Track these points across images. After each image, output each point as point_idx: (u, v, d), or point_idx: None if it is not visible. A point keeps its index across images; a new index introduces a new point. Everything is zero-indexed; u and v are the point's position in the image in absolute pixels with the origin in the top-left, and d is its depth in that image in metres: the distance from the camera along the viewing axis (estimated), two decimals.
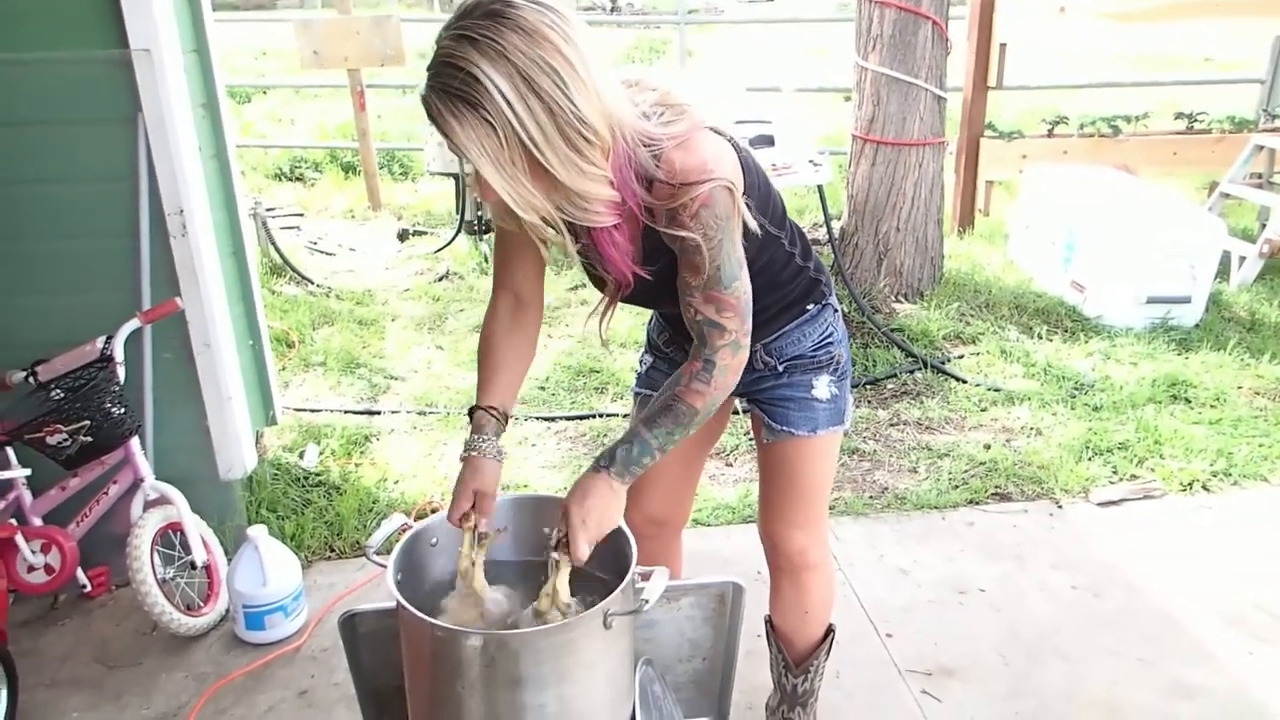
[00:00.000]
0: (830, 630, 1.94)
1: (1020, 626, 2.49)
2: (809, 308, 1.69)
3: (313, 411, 3.59)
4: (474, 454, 1.50)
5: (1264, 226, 4.81)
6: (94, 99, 2.44)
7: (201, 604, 2.47)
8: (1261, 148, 4.93)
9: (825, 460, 1.76)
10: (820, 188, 4.00)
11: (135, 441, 2.43)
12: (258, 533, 2.40)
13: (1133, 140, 5.20)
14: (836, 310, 1.74)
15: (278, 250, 4.97)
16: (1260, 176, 5.13)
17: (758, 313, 1.63)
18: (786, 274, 1.65)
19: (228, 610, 2.47)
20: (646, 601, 1.43)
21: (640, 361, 1.88)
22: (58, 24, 2.38)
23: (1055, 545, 2.83)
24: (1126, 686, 2.28)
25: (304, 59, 6.21)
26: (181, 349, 2.63)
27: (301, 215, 6.30)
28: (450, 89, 1.16)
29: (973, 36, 5.00)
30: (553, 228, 1.29)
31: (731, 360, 1.43)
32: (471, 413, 1.55)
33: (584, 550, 1.38)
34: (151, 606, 2.30)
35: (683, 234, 1.34)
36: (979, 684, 2.29)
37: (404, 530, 1.59)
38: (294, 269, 4.94)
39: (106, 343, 2.36)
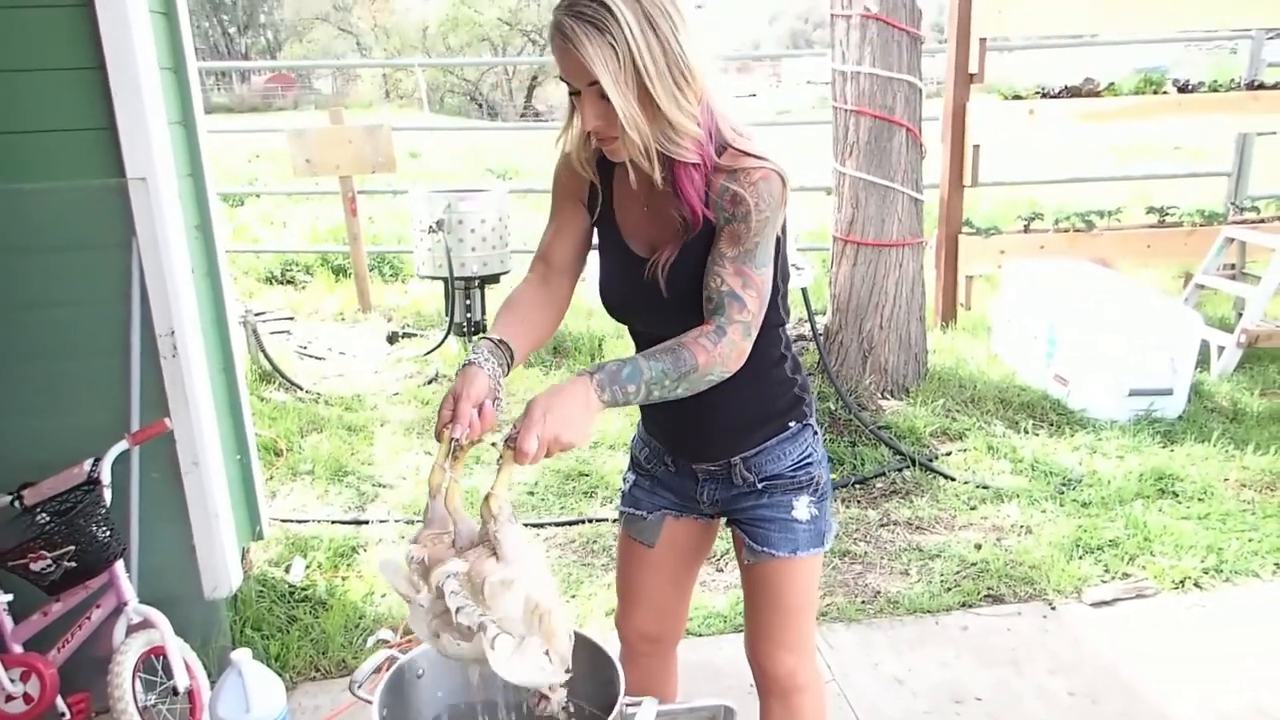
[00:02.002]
0: None
1: None
2: (790, 425, 1.71)
3: (300, 522, 3.57)
4: (466, 365, 1.44)
5: (1240, 316, 4.90)
6: (90, 225, 2.48)
7: None
8: (1232, 240, 5.06)
9: (807, 581, 1.75)
10: (804, 290, 4.07)
11: (120, 564, 2.40)
12: (241, 656, 2.32)
13: (1107, 234, 5.34)
14: (817, 433, 1.77)
15: (267, 357, 5.00)
16: (1233, 267, 5.25)
17: (739, 420, 1.66)
18: (776, 374, 1.68)
19: None
20: None
21: (624, 479, 1.90)
22: (58, 154, 2.44)
23: (1050, 649, 2.81)
24: None
25: (297, 167, 6.35)
26: (169, 468, 2.63)
27: (292, 319, 6.36)
28: (584, 15, 1.34)
29: (947, 138, 5.17)
30: (646, 155, 1.42)
31: (740, 342, 1.45)
32: None
33: (530, 443, 1.30)
34: None
35: (740, 190, 1.43)
36: None
37: (389, 664, 1.58)
38: (283, 375, 4.97)
39: (94, 465, 2.35)
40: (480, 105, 32.06)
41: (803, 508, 1.72)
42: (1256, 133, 5.80)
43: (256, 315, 5.42)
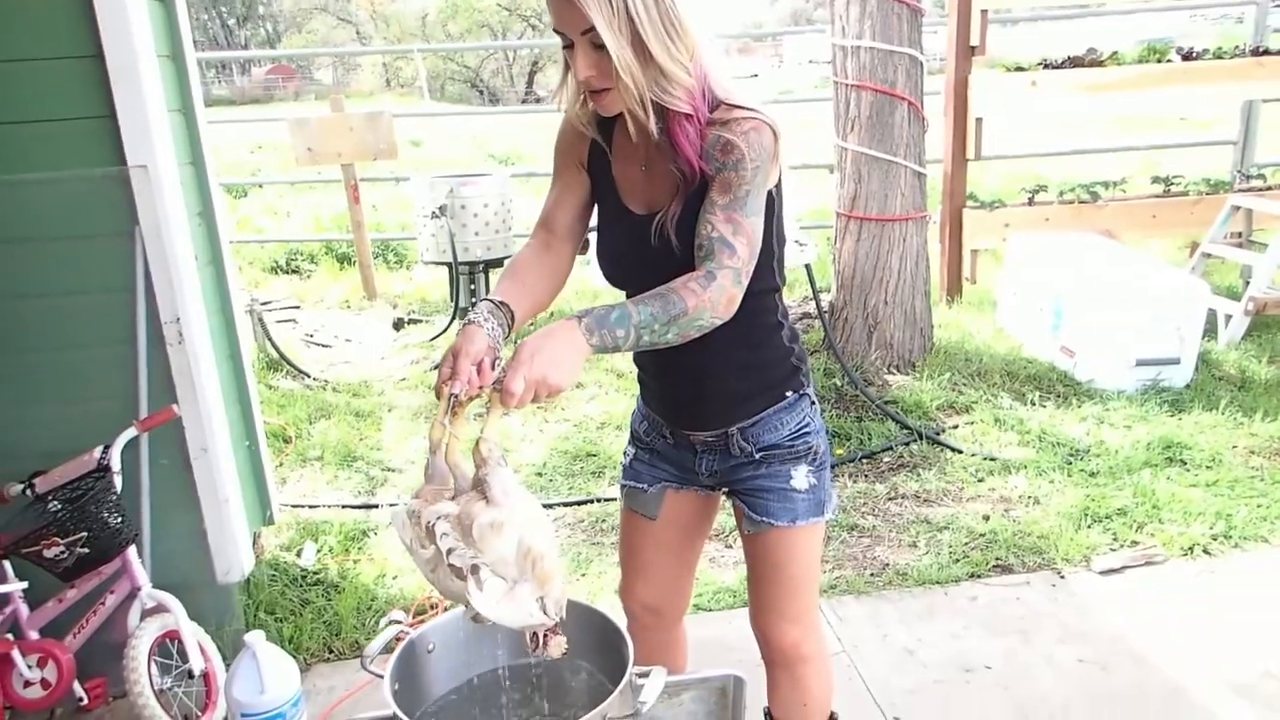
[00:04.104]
0: (832, 718, 1.92)
1: (1029, 705, 2.46)
2: (787, 394, 1.71)
3: (310, 508, 3.59)
4: (466, 324, 1.45)
5: (1247, 284, 4.88)
6: (92, 214, 2.50)
7: (199, 713, 2.44)
8: (1238, 208, 5.02)
9: (808, 552, 1.76)
10: (808, 266, 4.07)
11: (132, 550, 2.43)
12: (255, 639, 2.34)
13: (1112, 205, 5.31)
14: (814, 404, 1.77)
15: (274, 345, 5.01)
16: (1240, 235, 5.22)
17: (736, 389, 1.67)
18: (773, 341, 1.69)
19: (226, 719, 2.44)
20: (644, 703, 1.43)
21: (624, 454, 1.90)
22: (58, 144, 2.44)
23: (1059, 618, 2.81)
24: None
25: (298, 156, 6.35)
26: (178, 454, 2.65)
27: (298, 307, 6.38)
28: None
29: (949, 112, 5.14)
30: (641, 104, 1.44)
31: (730, 288, 1.43)
32: None
33: (516, 383, 1.30)
34: (150, 719, 2.27)
35: (732, 138, 1.45)
36: None
37: (401, 638, 1.59)
38: (290, 363, 4.98)
39: (104, 452, 2.37)
40: (481, 92, 31.96)
41: (801, 477, 1.72)
42: (1262, 100, 5.76)
43: (263, 304, 5.44)
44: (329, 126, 6.27)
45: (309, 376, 4.93)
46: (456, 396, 1.40)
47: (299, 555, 3.22)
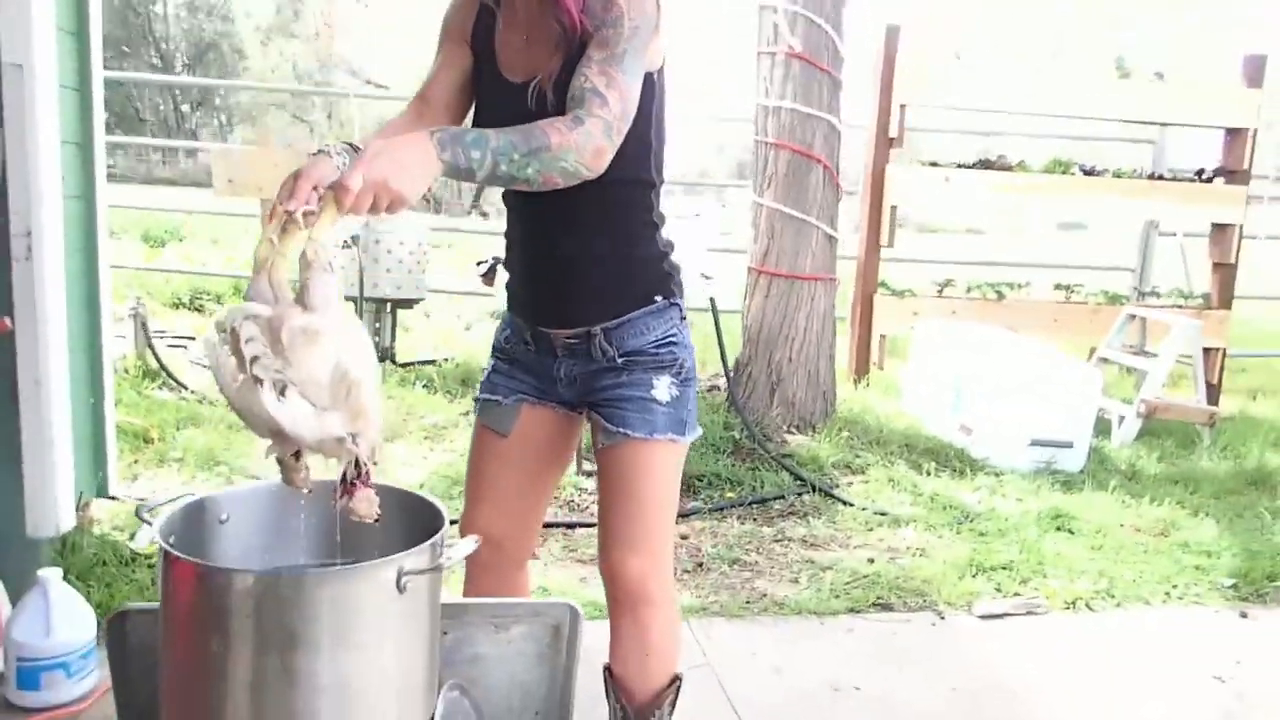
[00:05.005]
0: (676, 679, 1.74)
1: None
2: (657, 299, 1.64)
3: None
4: (317, 153, 1.34)
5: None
6: None
7: None
8: (1134, 317, 5.20)
9: (664, 472, 1.65)
10: (712, 300, 4.04)
11: None
12: (50, 575, 2.09)
13: (1017, 305, 5.45)
14: (685, 319, 1.70)
15: (154, 353, 4.76)
16: (1134, 347, 5.37)
17: (603, 281, 1.61)
18: (646, 236, 1.64)
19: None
20: (450, 560, 1.27)
21: (484, 370, 1.79)
22: None
23: (935, 652, 2.69)
24: None
25: (219, 187, 6.22)
26: (6, 382, 2.42)
27: (192, 339, 6.11)
28: None
29: (866, 199, 5.29)
30: None
31: (598, 136, 1.36)
32: None
33: (354, 179, 1.18)
34: None
35: None
36: None
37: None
38: (169, 373, 4.72)
39: None
40: (426, 200, 32.37)
41: (663, 388, 1.63)
42: (1159, 233, 6.08)
43: (157, 333, 5.19)
44: (253, 159, 6.18)
45: (186, 388, 4.66)
46: (290, 213, 1.28)
47: (132, 538, 2.94)
